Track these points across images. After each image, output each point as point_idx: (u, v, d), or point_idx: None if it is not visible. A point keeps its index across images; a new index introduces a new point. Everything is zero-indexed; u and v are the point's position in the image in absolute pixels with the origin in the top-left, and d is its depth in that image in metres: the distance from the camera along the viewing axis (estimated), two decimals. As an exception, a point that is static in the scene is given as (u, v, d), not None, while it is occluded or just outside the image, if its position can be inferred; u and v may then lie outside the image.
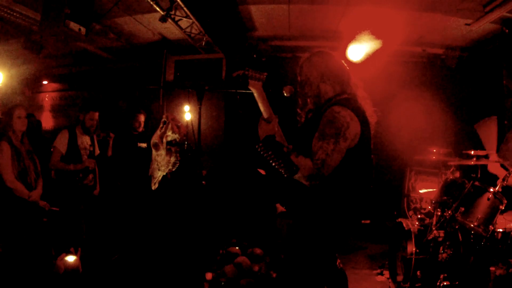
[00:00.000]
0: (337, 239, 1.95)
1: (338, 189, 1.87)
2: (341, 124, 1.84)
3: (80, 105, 4.68)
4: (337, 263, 2.08)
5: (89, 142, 4.27)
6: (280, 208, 2.08)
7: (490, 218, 3.16)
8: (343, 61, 2.20)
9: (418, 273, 3.51)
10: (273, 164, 1.83)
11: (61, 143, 4.09)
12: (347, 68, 2.17)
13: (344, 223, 1.91)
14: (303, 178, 1.86)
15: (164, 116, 2.64)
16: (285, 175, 1.82)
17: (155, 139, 2.64)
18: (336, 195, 1.87)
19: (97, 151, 4.43)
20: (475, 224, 3.15)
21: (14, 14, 4.36)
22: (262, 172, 1.96)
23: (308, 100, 2.17)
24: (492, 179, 3.63)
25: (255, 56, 6.16)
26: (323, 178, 1.82)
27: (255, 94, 2.11)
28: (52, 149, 4.10)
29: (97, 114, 4.25)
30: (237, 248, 4.39)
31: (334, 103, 1.97)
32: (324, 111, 1.95)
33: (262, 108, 2.11)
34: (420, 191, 4.38)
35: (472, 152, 3.72)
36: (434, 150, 4.69)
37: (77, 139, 4.16)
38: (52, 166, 4.08)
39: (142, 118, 5.29)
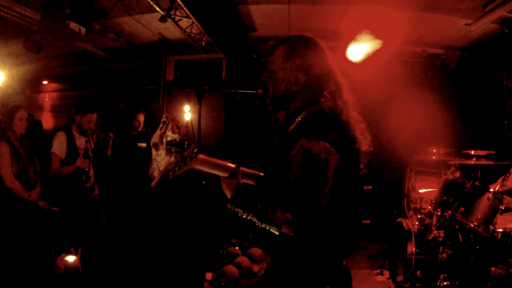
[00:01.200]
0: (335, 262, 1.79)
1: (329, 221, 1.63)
2: (317, 165, 1.51)
3: (76, 104, 4.34)
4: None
5: (85, 143, 3.99)
6: None
7: (490, 218, 3.16)
8: (328, 54, 1.87)
9: (418, 273, 3.51)
10: (251, 221, 1.57)
11: (60, 147, 3.81)
12: (333, 65, 1.83)
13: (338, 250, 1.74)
14: (287, 233, 1.55)
15: (164, 116, 2.63)
16: (267, 231, 1.52)
17: (155, 139, 2.63)
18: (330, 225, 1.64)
19: (92, 146, 4.10)
20: (475, 224, 3.15)
21: (14, 14, 4.35)
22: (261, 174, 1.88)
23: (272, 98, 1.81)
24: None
25: (255, 56, 6.16)
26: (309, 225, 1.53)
27: (199, 168, 1.69)
28: (51, 156, 3.82)
29: (95, 116, 3.97)
30: (237, 248, 4.39)
31: (302, 126, 1.68)
32: (292, 136, 1.65)
33: (217, 173, 1.71)
34: (420, 191, 4.37)
35: (472, 152, 3.72)
36: (434, 150, 4.69)
37: (75, 140, 3.92)
38: (52, 174, 3.80)
39: (141, 118, 5.29)
